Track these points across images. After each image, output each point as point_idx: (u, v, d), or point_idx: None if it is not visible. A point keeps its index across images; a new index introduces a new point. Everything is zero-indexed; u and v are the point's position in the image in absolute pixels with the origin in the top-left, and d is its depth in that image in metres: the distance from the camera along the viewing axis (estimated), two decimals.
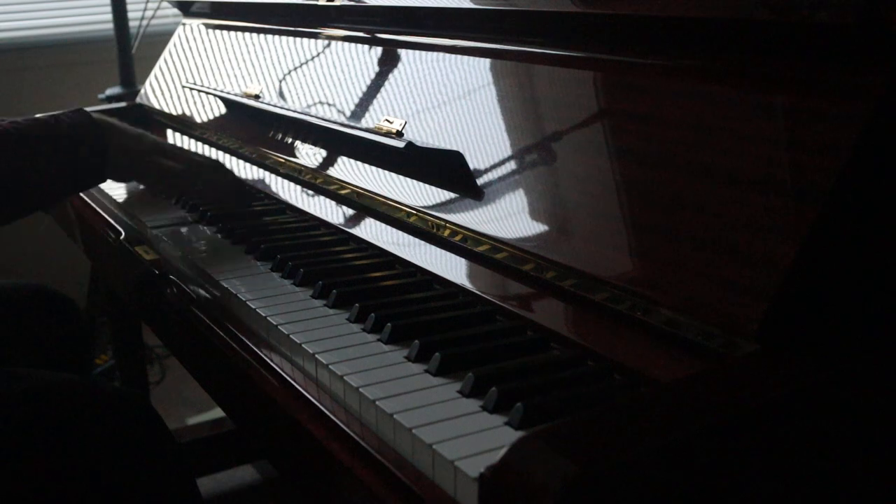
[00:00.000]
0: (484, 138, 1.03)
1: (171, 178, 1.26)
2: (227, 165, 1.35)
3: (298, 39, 1.53)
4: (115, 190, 1.50)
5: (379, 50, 1.31)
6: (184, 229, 1.28)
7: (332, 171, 1.27)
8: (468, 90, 1.10)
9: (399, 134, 1.14)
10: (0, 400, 1.06)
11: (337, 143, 1.30)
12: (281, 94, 1.49)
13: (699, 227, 0.76)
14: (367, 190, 1.17)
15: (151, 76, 1.98)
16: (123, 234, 1.29)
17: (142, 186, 1.48)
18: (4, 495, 1.00)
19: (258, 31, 1.67)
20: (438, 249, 1.02)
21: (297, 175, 1.34)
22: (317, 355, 0.83)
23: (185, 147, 1.48)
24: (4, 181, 1.08)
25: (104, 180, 1.21)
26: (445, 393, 0.76)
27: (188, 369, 1.14)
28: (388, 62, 1.28)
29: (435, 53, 1.19)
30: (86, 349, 1.60)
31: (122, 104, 2.05)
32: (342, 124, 1.25)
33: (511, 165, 1.00)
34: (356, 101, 1.29)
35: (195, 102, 1.77)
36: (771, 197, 0.72)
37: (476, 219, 0.98)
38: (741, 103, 0.78)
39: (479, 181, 1.00)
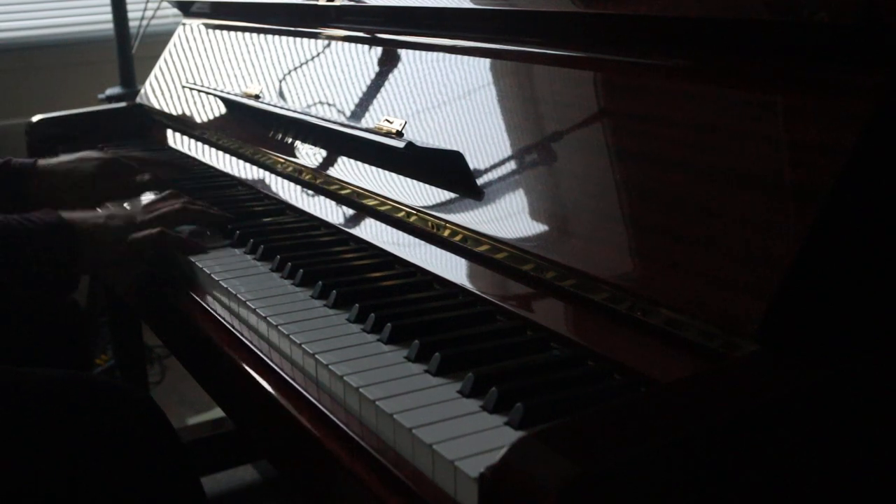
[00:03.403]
0: (484, 138, 1.03)
1: (152, 249, 1.19)
2: (185, 198, 1.25)
3: (298, 39, 1.53)
4: None
5: (379, 50, 1.31)
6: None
7: (332, 171, 1.27)
8: (468, 90, 1.10)
9: (399, 134, 1.14)
10: (5, 397, 1.07)
11: (337, 143, 1.30)
12: (281, 94, 1.49)
13: (699, 227, 0.76)
14: (367, 190, 1.17)
15: (151, 76, 1.98)
16: None
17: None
18: (10, 492, 1.00)
19: (258, 31, 1.67)
20: (438, 249, 1.02)
21: (297, 175, 1.34)
22: (317, 355, 0.83)
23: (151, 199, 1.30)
24: None
25: (75, 286, 1.16)
26: (445, 393, 0.76)
27: (188, 369, 1.14)
28: (388, 62, 1.28)
29: (435, 53, 1.19)
30: (87, 348, 1.60)
31: (122, 104, 2.05)
32: (342, 124, 1.25)
33: (511, 165, 1.00)
34: (356, 101, 1.29)
35: (195, 102, 1.77)
36: (771, 197, 0.72)
37: (476, 219, 0.98)
38: (741, 103, 0.78)
39: (479, 181, 1.00)
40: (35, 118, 1.83)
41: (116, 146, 1.75)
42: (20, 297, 1.15)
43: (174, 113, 1.81)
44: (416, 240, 1.06)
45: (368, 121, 1.23)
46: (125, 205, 1.37)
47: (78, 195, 1.38)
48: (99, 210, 1.20)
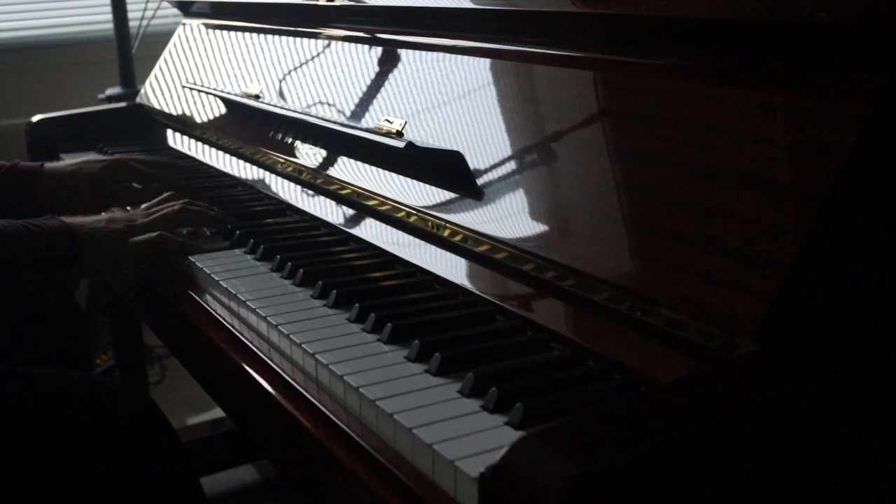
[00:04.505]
0: (484, 138, 1.03)
1: (152, 252, 1.18)
2: (184, 201, 1.25)
3: (298, 39, 1.53)
4: None
5: (379, 50, 1.31)
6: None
7: (333, 171, 1.27)
8: (468, 90, 1.10)
9: (399, 134, 1.14)
10: (5, 397, 1.07)
11: (337, 143, 1.30)
12: (281, 94, 1.49)
13: (699, 227, 0.76)
14: (367, 190, 1.17)
15: (151, 76, 1.98)
16: None
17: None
18: (11, 493, 1.00)
19: (258, 31, 1.67)
20: (438, 249, 1.02)
21: (297, 175, 1.34)
22: (317, 355, 0.83)
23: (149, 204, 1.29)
24: None
25: (75, 288, 1.18)
26: (445, 393, 0.76)
27: (188, 369, 1.14)
28: (388, 62, 1.28)
29: (435, 53, 1.19)
30: (87, 348, 1.60)
31: (122, 104, 2.05)
32: (342, 124, 1.25)
33: (511, 165, 1.00)
34: (356, 101, 1.29)
35: (195, 102, 1.77)
36: (771, 197, 0.72)
37: (476, 219, 0.98)
38: (741, 103, 0.78)
39: (479, 181, 1.00)
40: (35, 118, 1.83)
41: (116, 146, 1.76)
42: (21, 297, 1.15)
43: (174, 113, 1.81)
44: (416, 240, 1.06)
45: (368, 121, 1.23)
46: (128, 208, 1.37)
47: (82, 197, 1.39)
48: (102, 214, 1.20)
